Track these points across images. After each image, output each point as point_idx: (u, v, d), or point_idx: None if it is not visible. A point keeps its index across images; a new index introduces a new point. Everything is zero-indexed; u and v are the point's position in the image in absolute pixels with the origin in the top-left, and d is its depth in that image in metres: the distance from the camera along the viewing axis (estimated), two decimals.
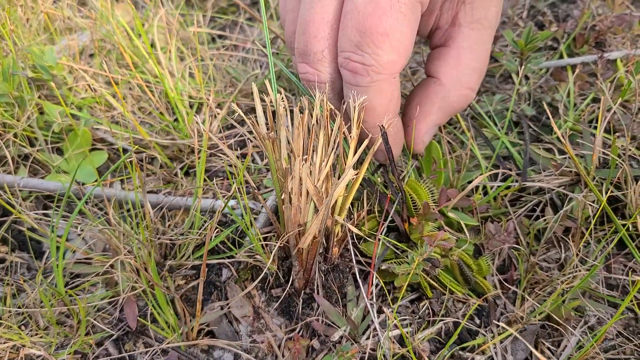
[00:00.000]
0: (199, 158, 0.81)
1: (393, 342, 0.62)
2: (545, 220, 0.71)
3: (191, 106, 0.87)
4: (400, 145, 0.69)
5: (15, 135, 0.78)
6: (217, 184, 0.75)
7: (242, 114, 0.60)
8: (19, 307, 0.66)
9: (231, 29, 1.05)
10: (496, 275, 0.68)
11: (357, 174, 0.61)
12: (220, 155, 0.81)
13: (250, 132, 0.82)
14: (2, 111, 0.76)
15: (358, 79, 0.59)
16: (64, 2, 0.96)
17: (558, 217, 0.69)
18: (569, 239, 0.69)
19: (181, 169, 0.80)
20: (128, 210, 0.75)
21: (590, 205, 0.69)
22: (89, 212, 0.70)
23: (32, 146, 0.79)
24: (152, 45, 0.93)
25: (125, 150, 0.84)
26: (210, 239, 0.68)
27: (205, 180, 0.74)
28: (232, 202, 0.73)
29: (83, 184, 0.75)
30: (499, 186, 0.75)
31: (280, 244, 0.62)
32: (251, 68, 0.96)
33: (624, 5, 0.98)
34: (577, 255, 0.65)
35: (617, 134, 0.73)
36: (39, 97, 0.81)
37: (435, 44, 0.70)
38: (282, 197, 0.60)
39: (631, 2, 1.02)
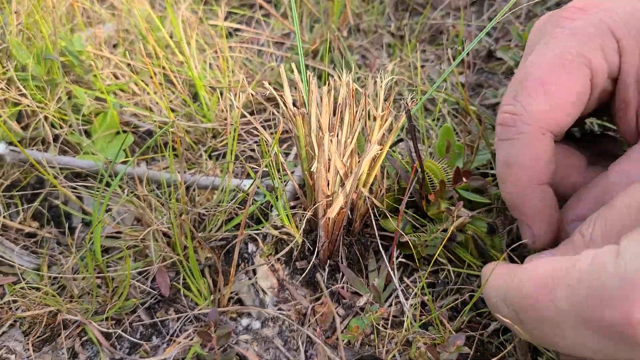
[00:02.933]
0: (223, 140, 0.84)
1: (416, 307, 0.65)
2: None
3: (212, 93, 0.90)
4: (547, 222, 0.58)
5: (45, 117, 0.81)
6: (241, 166, 0.78)
7: (273, 91, 0.64)
8: (58, 274, 0.69)
9: (248, 24, 1.09)
10: (506, 251, 0.72)
11: (381, 150, 0.65)
12: (245, 137, 0.85)
13: (275, 111, 0.86)
14: (34, 93, 0.79)
15: (506, 131, 0.56)
16: None
17: None
18: None
19: (205, 151, 0.84)
20: (157, 189, 0.78)
21: None
22: (119, 189, 0.74)
23: (60, 128, 0.82)
24: (171, 36, 0.97)
25: (150, 134, 0.87)
26: (240, 214, 0.71)
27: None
28: (250, 182, 0.77)
29: (111, 162, 0.79)
30: None
31: (310, 213, 0.65)
32: (267, 60, 1.00)
33: None
34: None
35: None
36: (67, 82, 0.84)
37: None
38: (311, 169, 0.64)
39: None
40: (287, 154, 0.85)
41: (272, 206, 0.72)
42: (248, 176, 0.78)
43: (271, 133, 0.88)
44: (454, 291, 0.69)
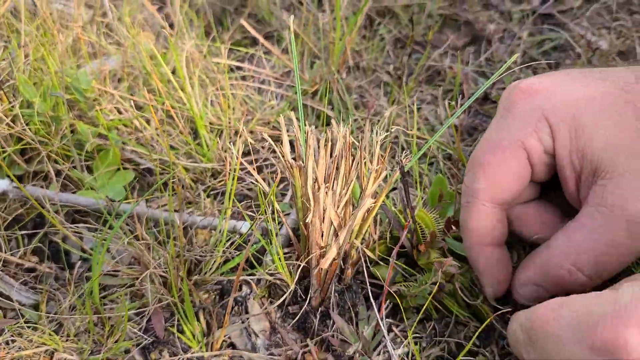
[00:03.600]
0: (222, 181, 0.86)
1: (403, 358, 0.67)
2: None
3: (212, 131, 0.92)
4: (498, 279, 0.68)
5: (48, 155, 0.83)
6: (240, 207, 0.80)
7: (273, 144, 0.66)
8: (55, 314, 0.71)
9: (250, 61, 1.12)
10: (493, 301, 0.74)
11: (375, 202, 0.68)
12: (243, 177, 0.87)
13: (273, 157, 0.88)
14: (39, 128, 0.81)
15: (462, 198, 0.68)
16: (93, 28, 1.02)
17: None
18: None
19: (204, 191, 0.86)
20: (154, 227, 0.80)
21: None
22: (118, 228, 0.75)
23: (63, 164, 0.84)
24: (173, 72, 0.99)
25: (149, 171, 0.89)
26: (236, 257, 0.73)
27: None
28: (247, 225, 0.79)
29: (112, 201, 0.80)
30: None
31: (303, 263, 0.68)
32: (267, 99, 1.02)
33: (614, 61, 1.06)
34: None
35: None
36: (71, 118, 0.86)
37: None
38: (306, 220, 0.66)
39: (617, 54, 1.10)
40: (283, 195, 0.87)
41: (266, 251, 0.74)
42: (245, 218, 0.80)
43: (269, 172, 0.91)
44: (442, 341, 0.70)
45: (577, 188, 0.64)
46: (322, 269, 0.68)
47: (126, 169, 0.87)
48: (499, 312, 0.67)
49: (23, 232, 0.81)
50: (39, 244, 0.80)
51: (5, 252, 0.77)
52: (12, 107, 0.81)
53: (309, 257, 0.67)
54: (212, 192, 0.87)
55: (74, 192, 0.84)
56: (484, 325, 0.66)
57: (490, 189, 0.64)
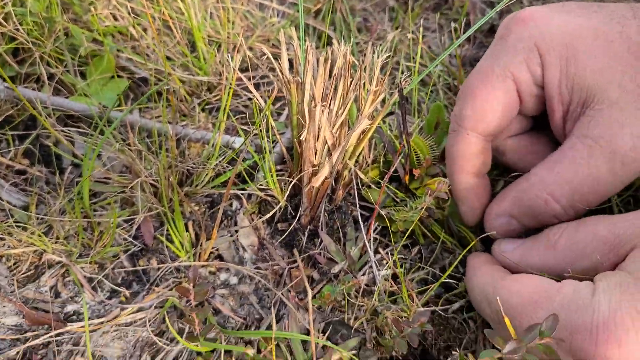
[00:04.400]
0: (217, 95, 0.85)
1: (386, 279, 0.68)
2: None
3: (210, 44, 0.90)
4: (474, 206, 0.69)
5: (41, 56, 0.81)
6: (234, 121, 0.79)
7: (272, 58, 0.65)
8: (45, 215, 0.71)
9: None
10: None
11: (371, 124, 0.67)
12: (239, 93, 0.85)
13: (272, 74, 0.87)
14: (32, 29, 0.79)
15: (450, 125, 0.68)
16: None
17: None
18: None
19: (199, 104, 0.84)
20: (147, 137, 0.79)
21: None
22: (110, 135, 0.75)
23: (56, 67, 0.82)
24: None
25: (144, 80, 0.88)
26: (228, 171, 0.73)
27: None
28: (240, 140, 0.78)
29: (105, 108, 0.79)
30: None
31: (295, 180, 0.67)
32: (269, 15, 0.99)
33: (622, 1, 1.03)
34: None
35: None
36: (65, 21, 0.83)
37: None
38: (300, 138, 0.65)
39: None
40: (279, 114, 0.86)
41: (258, 167, 0.73)
42: (239, 134, 0.80)
43: (266, 91, 0.89)
44: (427, 266, 0.71)
45: (564, 120, 0.63)
46: (313, 187, 0.68)
47: (120, 77, 0.86)
48: (483, 235, 0.67)
49: (14, 132, 0.80)
50: (30, 146, 0.79)
51: None
52: (5, 4, 0.78)
53: (301, 175, 0.67)
54: (207, 107, 0.85)
55: (66, 97, 0.82)
56: (467, 248, 0.67)
57: (476, 118, 0.64)
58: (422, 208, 0.67)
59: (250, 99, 0.87)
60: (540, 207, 0.61)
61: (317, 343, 0.62)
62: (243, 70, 0.90)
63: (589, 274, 0.55)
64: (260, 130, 0.68)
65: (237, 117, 0.85)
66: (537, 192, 0.61)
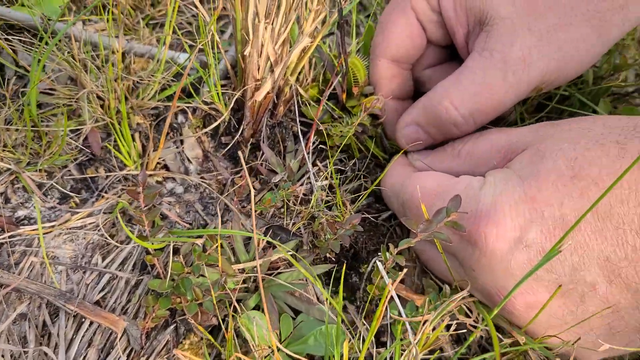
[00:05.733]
0: (161, 10, 0.86)
1: (324, 189, 0.74)
2: None
3: None
4: (394, 124, 0.75)
5: None
6: (180, 38, 0.81)
7: None
8: None
9: None
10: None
11: (311, 42, 0.70)
12: (183, 10, 0.86)
13: None
14: None
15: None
16: None
17: None
18: None
19: (143, 19, 0.85)
20: (94, 50, 0.80)
21: None
22: (54, 46, 0.75)
23: None
24: None
25: None
26: (173, 85, 0.75)
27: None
28: (186, 55, 0.80)
29: (49, 19, 0.79)
30: None
31: (238, 94, 0.71)
32: None
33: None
34: None
35: None
36: None
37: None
38: (244, 53, 0.68)
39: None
40: (223, 32, 0.88)
41: (203, 82, 0.76)
42: (184, 49, 0.82)
43: (210, 9, 0.91)
44: (359, 177, 0.77)
45: (466, 41, 0.70)
46: (256, 101, 0.71)
47: None
48: (409, 146, 0.73)
49: None
50: None
51: None
52: None
53: (245, 89, 0.71)
54: (151, 22, 0.87)
55: (7, 7, 0.81)
56: (394, 159, 0.73)
57: (385, 46, 0.72)
58: (357, 123, 0.73)
59: (194, 15, 0.88)
60: (442, 115, 0.66)
61: (259, 243, 0.68)
62: None
63: None
64: (206, 45, 0.70)
65: (182, 31, 0.86)
66: (440, 100, 0.66)
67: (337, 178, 0.76)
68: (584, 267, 0.53)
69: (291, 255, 0.67)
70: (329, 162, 0.77)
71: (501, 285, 0.56)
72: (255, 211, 0.71)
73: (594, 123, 0.59)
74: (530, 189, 0.54)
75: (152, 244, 0.61)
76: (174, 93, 0.77)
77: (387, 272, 0.59)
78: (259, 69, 0.69)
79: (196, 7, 0.68)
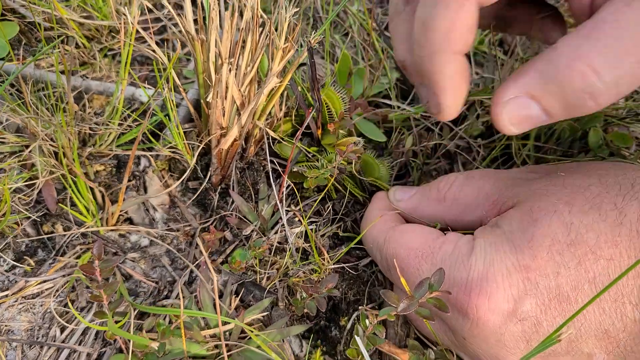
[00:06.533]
0: (120, 41, 0.79)
1: (298, 237, 0.69)
2: (441, 136, 0.79)
3: None
4: (454, 94, 0.52)
5: None
6: (137, 71, 0.75)
7: (172, 11, 0.60)
8: None
9: None
10: (394, 182, 0.76)
11: (280, 82, 0.65)
12: (143, 38, 0.80)
13: (173, 22, 0.82)
14: None
15: None
16: None
17: (451, 135, 0.78)
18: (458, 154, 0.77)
19: (99, 51, 0.79)
20: (43, 89, 0.74)
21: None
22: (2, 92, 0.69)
23: None
24: None
25: (34, 25, 0.80)
26: (134, 129, 0.69)
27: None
28: (150, 92, 0.74)
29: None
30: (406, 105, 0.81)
31: (203, 145, 0.65)
32: None
33: None
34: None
35: None
36: None
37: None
38: (207, 99, 0.63)
39: None
40: (188, 60, 0.82)
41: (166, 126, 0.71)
42: (146, 81, 0.76)
43: (174, 33, 0.84)
44: (338, 220, 0.72)
45: None
46: (222, 149, 0.66)
47: (9, 21, 0.78)
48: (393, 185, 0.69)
49: None
50: None
51: None
52: None
53: (210, 138, 0.65)
54: (109, 53, 0.80)
55: None
56: (374, 197, 0.68)
57: (453, 33, 0.48)
58: (334, 167, 0.68)
59: (157, 42, 0.82)
60: (575, 83, 0.46)
61: (230, 305, 0.64)
62: (149, 10, 0.84)
63: (475, 225, 0.59)
64: (164, 90, 0.65)
65: (144, 64, 0.80)
66: (569, 62, 0.46)
67: (313, 223, 0.71)
68: (581, 339, 0.49)
69: (266, 315, 0.63)
70: (306, 208, 0.72)
71: (493, 354, 0.52)
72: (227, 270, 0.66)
73: (590, 178, 0.54)
74: (523, 257, 0.50)
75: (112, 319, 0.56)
76: (135, 138, 0.71)
77: (367, 338, 0.55)
78: (224, 114, 0.64)
79: (155, 52, 0.62)
